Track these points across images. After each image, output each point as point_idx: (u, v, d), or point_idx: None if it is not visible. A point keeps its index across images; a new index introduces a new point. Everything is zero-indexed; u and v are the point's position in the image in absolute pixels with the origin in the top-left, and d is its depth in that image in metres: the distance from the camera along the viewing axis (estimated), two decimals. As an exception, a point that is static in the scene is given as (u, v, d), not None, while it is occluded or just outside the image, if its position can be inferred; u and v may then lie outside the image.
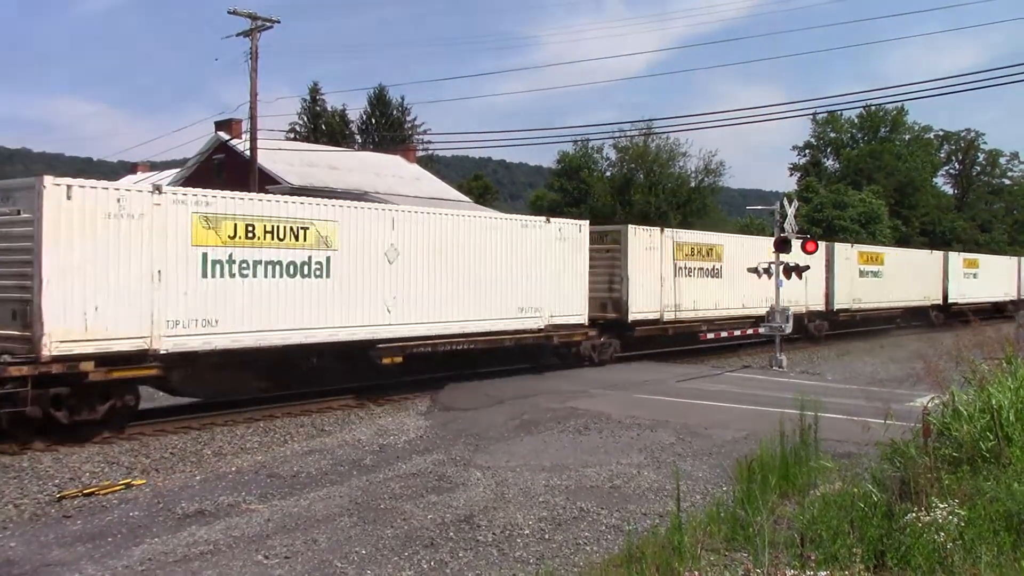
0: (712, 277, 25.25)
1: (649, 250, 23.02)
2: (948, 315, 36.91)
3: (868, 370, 22.71)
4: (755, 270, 23.87)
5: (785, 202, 23.62)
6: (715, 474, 10.20)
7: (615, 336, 22.16)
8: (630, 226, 23.07)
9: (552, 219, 20.93)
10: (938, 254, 40.11)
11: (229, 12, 30.08)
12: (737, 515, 7.23)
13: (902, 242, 51.94)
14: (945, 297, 38.54)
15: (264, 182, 31.83)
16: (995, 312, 40.48)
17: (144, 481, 10.39)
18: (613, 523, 8.32)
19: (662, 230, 24.22)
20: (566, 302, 20.31)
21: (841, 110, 78.36)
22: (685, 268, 24.26)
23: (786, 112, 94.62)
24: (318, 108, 66.63)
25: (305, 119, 65.89)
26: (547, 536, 7.94)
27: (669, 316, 23.55)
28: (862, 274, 32.81)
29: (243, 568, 7.16)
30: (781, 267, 22.82)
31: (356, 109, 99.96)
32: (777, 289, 22.86)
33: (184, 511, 8.92)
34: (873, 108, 70.99)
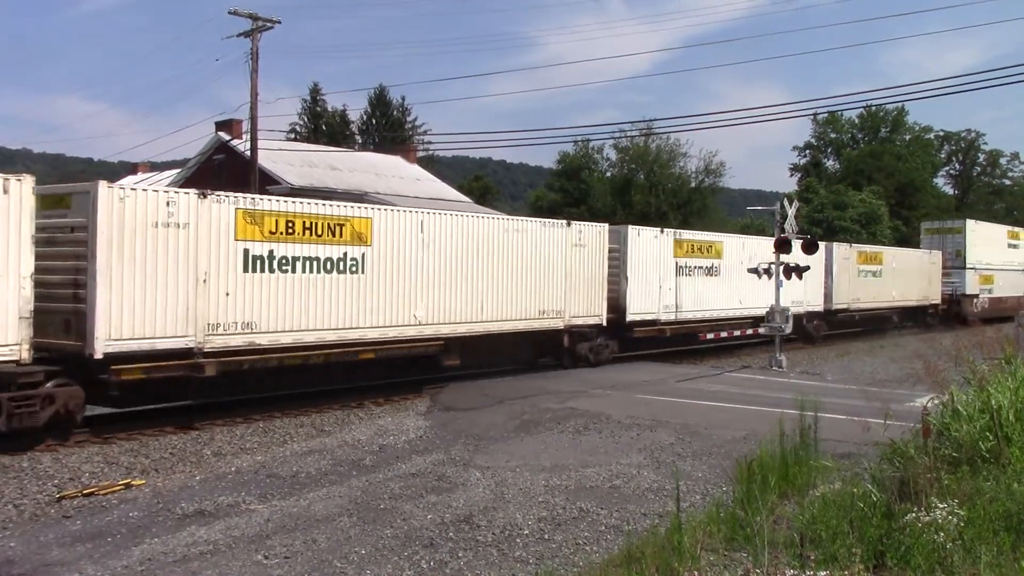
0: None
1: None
2: (831, 325, 31.30)
3: (868, 370, 22.71)
4: (755, 270, 23.88)
5: (785, 202, 23.64)
6: (715, 474, 10.20)
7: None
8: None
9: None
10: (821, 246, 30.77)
11: (230, 12, 30.12)
12: (737, 515, 7.23)
13: (902, 242, 51.88)
14: (828, 300, 30.52)
15: (264, 182, 31.85)
16: (906, 320, 35.62)
17: (144, 481, 10.39)
18: (613, 523, 8.32)
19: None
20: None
21: (841, 110, 78.49)
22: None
23: (786, 112, 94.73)
24: (318, 108, 66.71)
25: (305, 119, 65.99)
26: (547, 536, 7.94)
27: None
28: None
29: (243, 568, 7.16)
30: (781, 267, 22.84)
31: (356, 109, 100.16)
32: (777, 289, 22.86)
33: (184, 511, 8.92)
34: (873, 108, 71.13)
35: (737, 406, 15.45)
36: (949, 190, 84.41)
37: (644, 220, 48.45)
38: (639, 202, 59.53)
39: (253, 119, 30.84)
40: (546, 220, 20.78)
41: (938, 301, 37.90)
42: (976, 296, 40.74)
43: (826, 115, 72.59)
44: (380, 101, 66.92)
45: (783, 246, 22.79)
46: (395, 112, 67.64)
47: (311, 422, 14.47)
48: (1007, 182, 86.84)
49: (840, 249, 31.61)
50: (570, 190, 62.09)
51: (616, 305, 21.85)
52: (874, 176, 64.85)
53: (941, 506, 6.10)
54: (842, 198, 57.12)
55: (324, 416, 14.98)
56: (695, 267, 24.49)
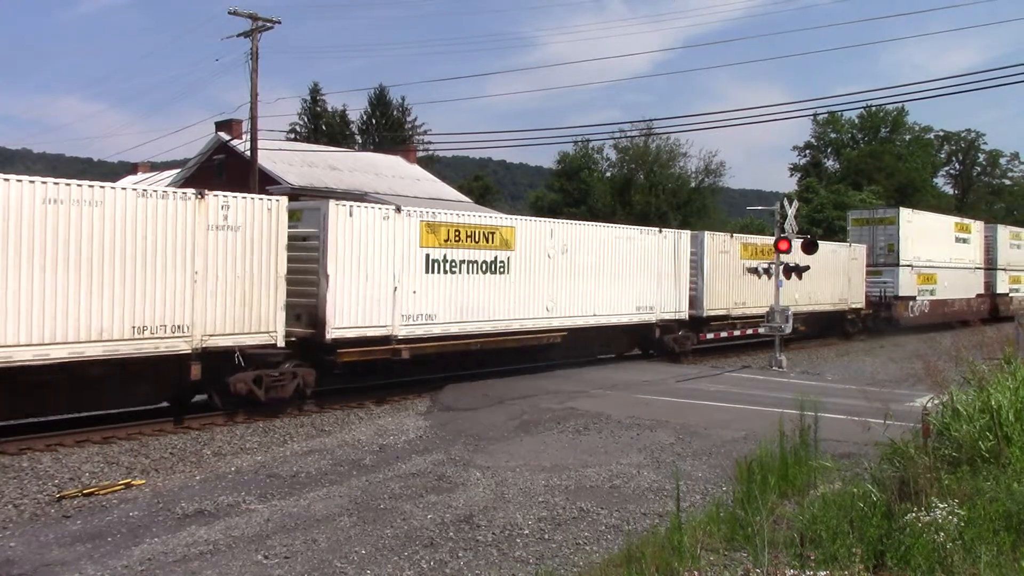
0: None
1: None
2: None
3: (867, 370, 22.71)
4: (755, 270, 23.91)
5: (785, 202, 23.63)
6: (715, 474, 10.20)
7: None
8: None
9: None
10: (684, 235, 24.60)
11: (230, 12, 30.08)
12: (737, 515, 7.23)
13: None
14: (696, 305, 24.55)
15: (264, 182, 31.84)
16: (817, 327, 29.37)
17: (144, 481, 10.39)
18: (613, 523, 8.32)
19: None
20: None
21: (842, 110, 78.54)
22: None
23: (786, 112, 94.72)
24: (318, 108, 66.71)
25: (305, 119, 65.99)
26: (547, 536, 7.94)
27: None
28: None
29: (243, 568, 7.16)
30: (781, 267, 22.85)
31: (356, 109, 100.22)
32: (777, 289, 22.88)
33: (184, 511, 8.92)
34: (874, 108, 71.15)
35: (737, 406, 15.45)
36: (949, 190, 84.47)
37: (644, 220, 48.48)
38: (639, 202, 59.55)
39: (253, 119, 30.83)
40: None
41: (861, 305, 31.77)
42: (912, 299, 34.41)
43: (826, 115, 72.67)
44: (380, 101, 66.95)
45: (781, 245, 22.82)
46: (395, 112, 67.67)
47: (311, 422, 14.47)
48: (1007, 182, 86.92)
49: (715, 240, 25.01)
50: (570, 190, 62.10)
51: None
52: (874, 176, 64.88)
53: (941, 506, 6.09)
54: (842, 198, 57.15)
55: (324, 416, 14.99)
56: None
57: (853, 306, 31.47)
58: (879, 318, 33.03)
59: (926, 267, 35.54)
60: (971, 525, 6.16)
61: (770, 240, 25.10)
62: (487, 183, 70.87)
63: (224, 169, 38.25)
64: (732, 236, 25.84)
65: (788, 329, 22.65)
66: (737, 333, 25.51)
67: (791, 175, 78.01)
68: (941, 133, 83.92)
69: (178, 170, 43.47)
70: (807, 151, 78.52)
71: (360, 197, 29.54)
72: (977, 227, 41.68)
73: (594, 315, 20.72)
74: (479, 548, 7.60)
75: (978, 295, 40.31)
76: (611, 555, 7.03)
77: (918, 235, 35.00)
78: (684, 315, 23.69)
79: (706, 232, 24.95)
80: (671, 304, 23.23)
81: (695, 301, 23.89)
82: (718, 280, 24.83)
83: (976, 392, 9.25)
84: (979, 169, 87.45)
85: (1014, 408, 8.62)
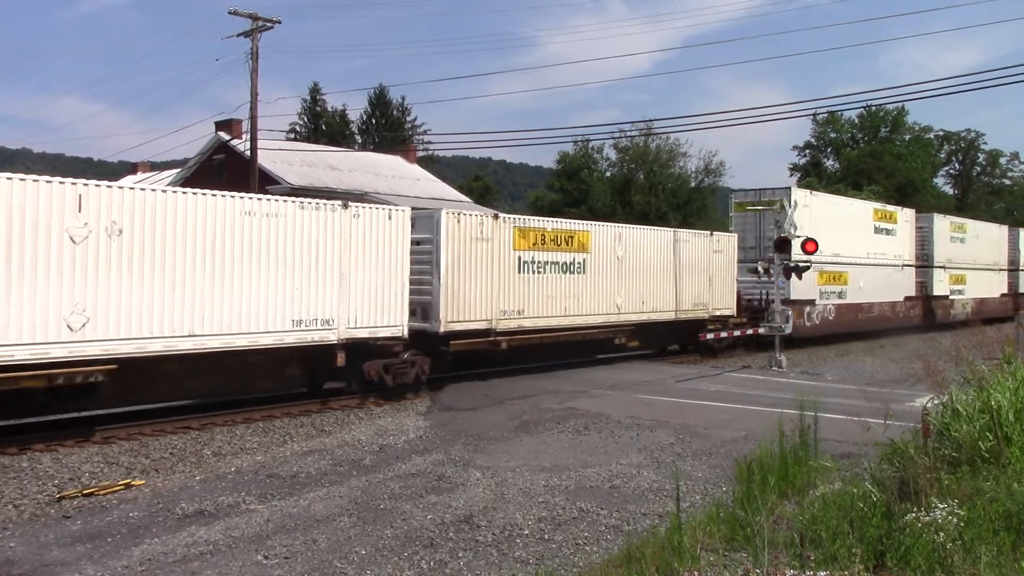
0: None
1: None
2: (445, 360, 20.14)
3: (867, 370, 22.71)
4: (755, 270, 23.88)
5: (785, 202, 23.62)
6: (714, 474, 10.20)
7: None
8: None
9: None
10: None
11: (230, 12, 30.09)
12: (737, 515, 7.22)
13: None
14: (430, 315, 18.85)
15: (264, 182, 31.85)
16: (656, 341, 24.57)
17: (144, 481, 10.39)
18: (613, 523, 8.32)
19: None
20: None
21: (842, 110, 78.55)
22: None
23: (786, 112, 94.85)
24: (318, 108, 66.70)
25: (305, 119, 65.99)
26: (547, 536, 7.94)
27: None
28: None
29: (243, 568, 7.16)
30: (781, 267, 22.82)
31: (356, 109, 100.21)
32: (777, 289, 22.87)
33: (184, 511, 8.92)
34: (873, 108, 71.16)
35: (737, 406, 15.45)
36: (949, 190, 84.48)
37: (644, 220, 48.47)
38: (639, 202, 59.55)
39: (253, 119, 30.83)
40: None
41: (731, 311, 25.58)
42: (811, 303, 28.13)
43: (826, 115, 72.66)
44: (380, 101, 66.95)
45: (783, 246, 22.80)
46: (395, 112, 67.65)
47: (311, 422, 14.47)
48: (1007, 182, 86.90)
49: (468, 221, 17.78)
50: (570, 190, 62.12)
51: (428, 312, 22.49)
52: (874, 176, 64.91)
53: (941, 506, 6.09)
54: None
55: (324, 416, 14.98)
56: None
57: (717, 313, 24.78)
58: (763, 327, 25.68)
59: (832, 263, 29.08)
60: (971, 525, 6.16)
61: (572, 224, 20.62)
62: (487, 183, 70.88)
63: (224, 169, 38.25)
64: (498, 217, 18.77)
65: (788, 329, 22.61)
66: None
67: (791, 175, 78.09)
68: (941, 133, 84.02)
69: (178, 170, 43.46)
70: (807, 151, 78.61)
71: (360, 197, 29.53)
72: (906, 215, 34.80)
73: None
74: (479, 548, 7.60)
75: (907, 298, 34.04)
76: (611, 555, 7.02)
77: (821, 223, 28.13)
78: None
79: (444, 211, 17.66)
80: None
81: (429, 311, 17.28)
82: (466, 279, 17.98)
83: (976, 392, 9.25)
84: (979, 169, 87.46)
85: (1014, 408, 8.62)
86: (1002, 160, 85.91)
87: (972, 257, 39.94)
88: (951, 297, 37.85)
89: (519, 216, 19.06)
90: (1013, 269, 46.24)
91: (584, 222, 21.56)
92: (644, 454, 11.42)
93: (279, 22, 30.59)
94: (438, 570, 7.10)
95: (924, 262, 36.05)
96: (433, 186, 43.65)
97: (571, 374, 19.88)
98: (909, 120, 76.44)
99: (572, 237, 20.07)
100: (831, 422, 10.68)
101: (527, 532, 8.03)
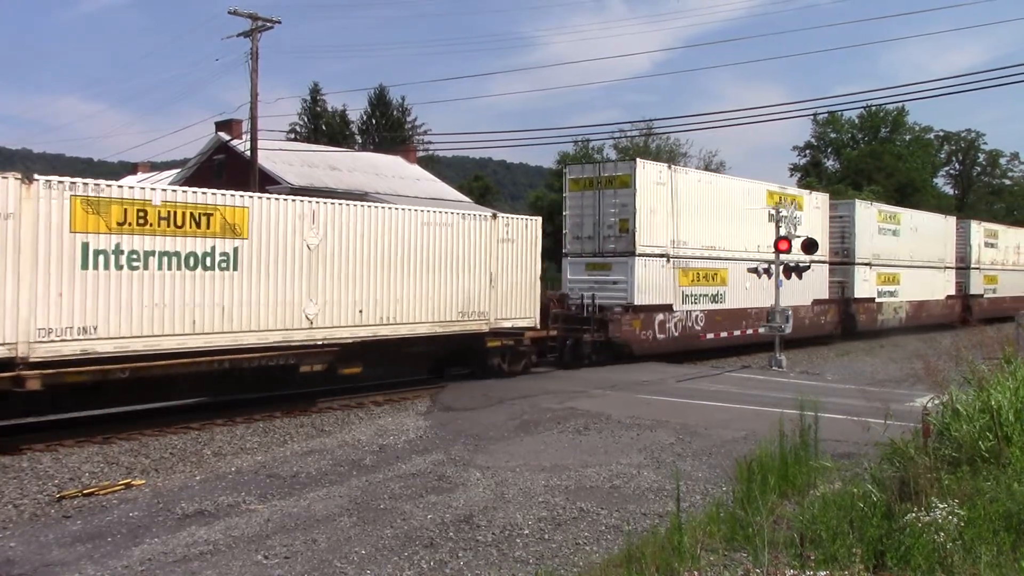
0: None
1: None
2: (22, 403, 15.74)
3: (868, 370, 22.72)
4: (755, 270, 23.84)
5: (786, 202, 23.60)
6: (715, 474, 10.20)
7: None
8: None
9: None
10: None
11: (230, 12, 30.10)
12: (737, 515, 7.22)
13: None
14: None
15: (264, 182, 31.85)
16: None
17: (144, 481, 10.39)
18: (613, 523, 8.31)
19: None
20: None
21: (842, 110, 78.52)
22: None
23: (786, 112, 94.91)
24: (318, 108, 66.72)
25: (305, 119, 66.00)
26: (547, 536, 7.94)
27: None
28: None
29: (243, 568, 7.16)
30: (781, 267, 22.81)
31: (356, 109, 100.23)
32: (777, 289, 22.78)
33: (184, 511, 8.92)
34: (873, 108, 71.09)
35: (737, 406, 15.44)
36: (949, 190, 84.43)
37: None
38: (639, 202, 59.32)
39: (253, 119, 30.83)
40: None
41: (530, 322, 19.25)
42: (666, 309, 22.50)
43: (826, 115, 72.62)
44: (380, 101, 66.95)
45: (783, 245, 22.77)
46: (395, 112, 67.66)
47: (311, 422, 14.47)
48: (1007, 182, 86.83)
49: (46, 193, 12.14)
50: (570, 190, 61.90)
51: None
52: (874, 176, 64.85)
53: (941, 506, 6.09)
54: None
55: (324, 416, 14.98)
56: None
57: (506, 324, 18.81)
58: (584, 342, 20.87)
59: (703, 259, 23.88)
60: (971, 525, 6.16)
61: (213, 197, 14.13)
62: (487, 183, 70.80)
63: (224, 169, 38.27)
64: (32, 181, 11.97)
65: (788, 329, 22.54)
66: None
67: (791, 175, 78.06)
68: (941, 133, 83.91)
69: (178, 170, 43.48)
70: (807, 151, 78.55)
71: (360, 197, 29.53)
72: (816, 201, 28.99)
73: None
74: (479, 548, 7.60)
75: (817, 301, 28.81)
76: (611, 555, 7.02)
77: (688, 208, 23.27)
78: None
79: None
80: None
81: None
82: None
83: (976, 392, 9.24)
84: (979, 169, 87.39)
85: (1014, 408, 8.61)
86: (1002, 160, 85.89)
87: (908, 252, 34.65)
88: (879, 300, 32.60)
89: (88, 181, 12.71)
90: (963, 267, 40.18)
91: (240, 193, 14.92)
92: (644, 454, 11.42)
93: (279, 22, 30.64)
94: (438, 570, 7.10)
95: (844, 258, 31.15)
96: (433, 186, 43.65)
97: (571, 374, 19.87)
98: (909, 120, 76.42)
99: (210, 216, 13.99)
100: (831, 422, 10.67)
101: (527, 532, 8.03)
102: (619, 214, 22.15)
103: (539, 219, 20.17)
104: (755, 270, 23.87)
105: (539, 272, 19.89)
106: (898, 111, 73.47)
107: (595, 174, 23.12)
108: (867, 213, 32.38)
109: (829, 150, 77.85)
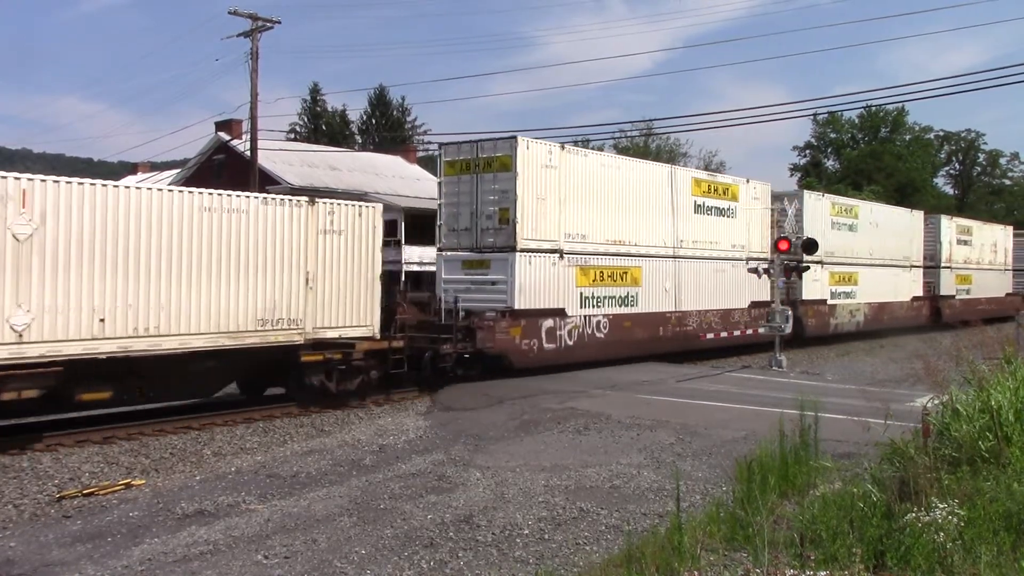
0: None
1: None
2: None
3: (868, 370, 22.72)
4: (755, 270, 23.84)
5: (785, 202, 23.61)
6: (715, 474, 10.19)
7: None
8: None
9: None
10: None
11: (230, 12, 30.12)
12: (737, 515, 7.22)
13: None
14: None
15: (264, 182, 31.87)
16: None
17: (144, 481, 10.39)
18: (613, 523, 8.31)
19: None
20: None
21: (842, 110, 78.55)
22: None
23: (786, 112, 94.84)
24: (318, 108, 66.79)
25: (305, 119, 66.08)
26: (547, 536, 7.93)
27: None
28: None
29: (243, 568, 7.16)
30: (781, 267, 22.81)
31: (356, 109, 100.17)
32: (777, 289, 22.77)
33: (184, 511, 8.92)
34: (873, 108, 71.12)
35: (737, 406, 15.44)
36: (949, 190, 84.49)
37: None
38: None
39: (253, 119, 30.84)
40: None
41: (368, 331, 16.19)
42: (559, 315, 19.31)
43: (826, 115, 72.66)
44: (380, 101, 67.01)
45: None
46: (395, 112, 67.72)
47: (311, 422, 14.47)
48: (1007, 182, 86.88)
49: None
50: (570, 190, 61.95)
51: None
52: (874, 176, 64.93)
53: (941, 506, 6.09)
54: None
55: (324, 416, 14.98)
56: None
57: (329, 335, 15.68)
58: (444, 354, 17.42)
59: (606, 255, 20.69)
60: (971, 525, 6.16)
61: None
62: (487, 183, 70.77)
63: (224, 169, 38.30)
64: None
65: (788, 329, 22.51)
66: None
67: (791, 175, 78.11)
68: (941, 133, 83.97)
69: (178, 170, 43.51)
70: (807, 151, 78.66)
71: (360, 197, 29.53)
72: (755, 191, 25.76)
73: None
74: (479, 548, 7.60)
75: (755, 304, 25.27)
76: (611, 555, 7.02)
77: (585, 196, 20.13)
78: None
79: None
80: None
81: None
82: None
83: (976, 392, 9.24)
84: (979, 169, 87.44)
85: (1014, 408, 8.61)
86: (1002, 160, 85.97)
87: (867, 250, 31.83)
88: (832, 302, 29.69)
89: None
90: (932, 266, 37.22)
91: None
92: (644, 454, 11.42)
93: (279, 22, 30.67)
94: (438, 570, 7.10)
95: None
96: (433, 186, 43.61)
97: (571, 374, 19.84)
98: (909, 120, 76.54)
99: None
100: (831, 422, 10.67)
101: (527, 532, 8.03)
102: (499, 202, 18.55)
103: (379, 207, 16.67)
104: (755, 270, 23.91)
105: (378, 270, 16.37)
106: (898, 111, 73.57)
107: (472, 155, 19.37)
108: (818, 206, 29.01)
109: (829, 150, 77.93)
